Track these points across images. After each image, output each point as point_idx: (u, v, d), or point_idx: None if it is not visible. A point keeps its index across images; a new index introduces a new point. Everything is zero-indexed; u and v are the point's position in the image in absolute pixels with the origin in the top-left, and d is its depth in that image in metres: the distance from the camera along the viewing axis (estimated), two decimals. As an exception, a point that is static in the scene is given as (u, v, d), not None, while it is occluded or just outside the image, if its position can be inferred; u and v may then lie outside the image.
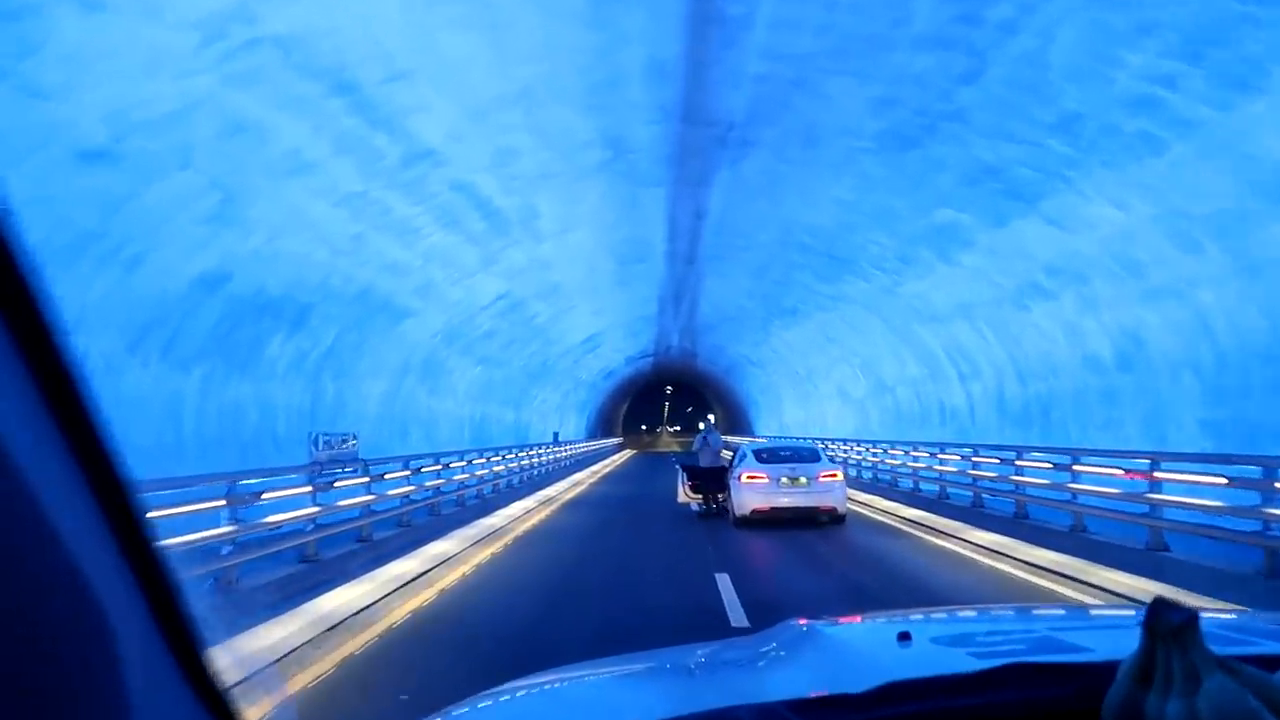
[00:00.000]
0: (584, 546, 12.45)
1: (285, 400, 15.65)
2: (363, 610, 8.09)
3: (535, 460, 24.49)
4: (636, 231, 19.13)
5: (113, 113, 8.46)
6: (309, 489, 10.86)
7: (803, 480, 13.89)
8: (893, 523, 15.22)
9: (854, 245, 18.01)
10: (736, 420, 57.16)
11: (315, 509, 10.58)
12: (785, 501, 13.67)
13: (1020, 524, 12.99)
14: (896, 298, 20.05)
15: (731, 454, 16.32)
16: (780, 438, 37.83)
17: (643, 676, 1.50)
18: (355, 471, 12.74)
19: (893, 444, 21.50)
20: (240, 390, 14.17)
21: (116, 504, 0.61)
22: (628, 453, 54.84)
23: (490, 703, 1.34)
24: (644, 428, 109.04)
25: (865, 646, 1.47)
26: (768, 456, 14.49)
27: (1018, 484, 13.62)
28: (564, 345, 30.44)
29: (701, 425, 13.69)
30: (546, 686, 1.42)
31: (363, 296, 15.98)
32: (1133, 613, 1.00)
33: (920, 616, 1.77)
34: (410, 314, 18.31)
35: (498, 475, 19.44)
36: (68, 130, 8.30)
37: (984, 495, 15.06)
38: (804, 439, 28.66)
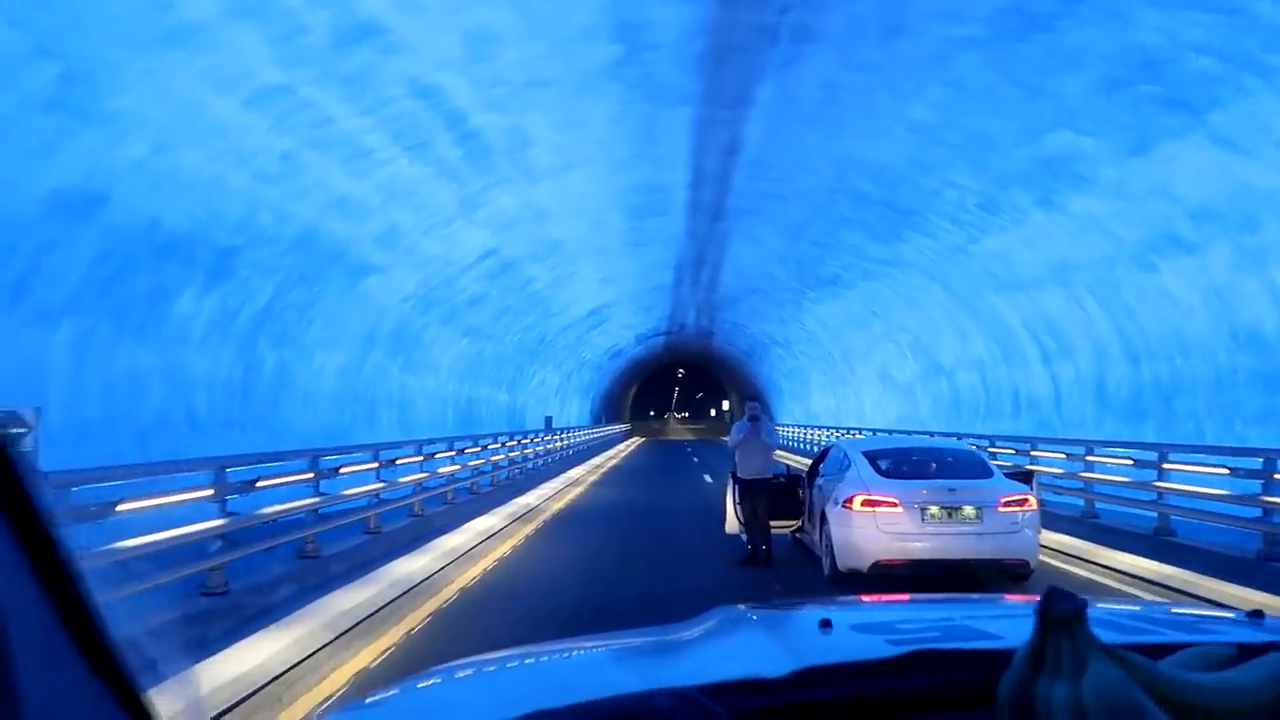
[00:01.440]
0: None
1: (207, 371, 12.55)
2: None
3: (514, 455, 18.36)
4: (654, 173, 15.91)
5: None
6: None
7: (969, 512, 7.86)
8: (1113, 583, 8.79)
9: (925, 190, 14.75)
10: (754, 407, 54.04)
11: None
12: (936, 548, 7.82)
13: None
14: (969, 259, 16.80)
15: (810, 460, 10.32)
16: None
17: (569, 662, 1.54)
18: None
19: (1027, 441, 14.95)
20: (136, 357, 11.06)
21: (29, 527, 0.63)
22: (636, 440, 51.72)
23: (414, 686, 1.38)
24: (652, 413, 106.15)
25: (789, 633, 1.55)
26: (896, 464, 8.64)
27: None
28: (566, 318, 27.24)
29: (745, 408, 8.83)
30: (475, 671, 1.45)
31: (306, 242, 12.84)
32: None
33: (850, 604, 1.89)
34: (373, 269, 15.17)
35: (452, 479, 13.62)
36: None
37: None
38: (847, 431, 25.57)
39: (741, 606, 1.74)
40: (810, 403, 37.54)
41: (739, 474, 9.04)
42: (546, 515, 13.48)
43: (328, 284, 14.30)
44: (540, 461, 21.47)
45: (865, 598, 2.26)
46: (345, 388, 16.64)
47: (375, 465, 11.00)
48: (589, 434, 34.49)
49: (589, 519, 13.36)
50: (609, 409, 52.42)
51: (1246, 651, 0.89)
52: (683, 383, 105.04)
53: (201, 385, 12.50)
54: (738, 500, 9.08)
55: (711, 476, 19.59)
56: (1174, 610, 1.84)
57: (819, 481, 9.05)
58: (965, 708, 0.88)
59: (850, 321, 26.17)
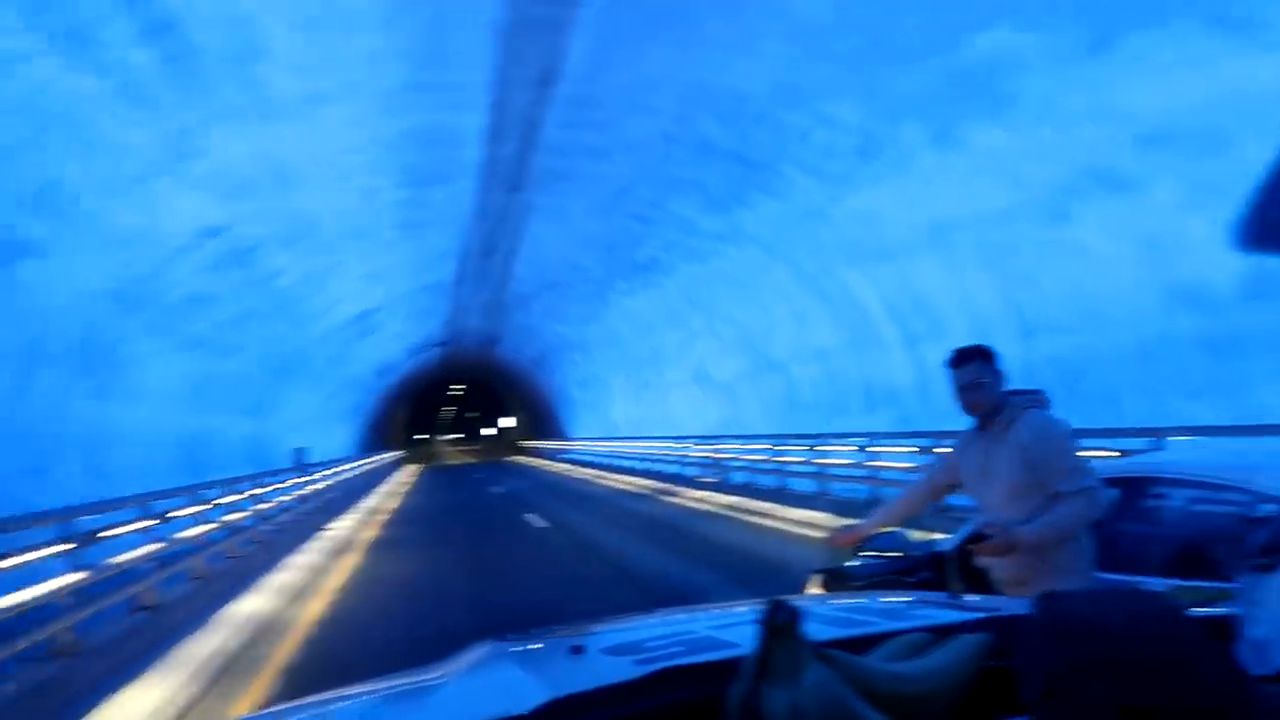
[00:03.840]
0: None
1: None
2: None
3: (233, 518, 12.22)
4: (440, 114, 12.32)
5: None
6: None
7: None
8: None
9: (788, 130, 12.17)
10: (543, 424, 50.81)
11: None
12: None
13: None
14: (824, 224, 14.48)
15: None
16: (614, 437, 31.88)
17: (324, 714, 1.49)
18: None
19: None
20: None
21: None
22: (413, 469, 46.92)
23: None
24: (424, 437, 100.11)
25: (543, 663, 1.55)
26: None
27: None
28: (325, 325, 22.69)
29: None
30: None
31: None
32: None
33: (603, 627, 1.78)
34: (28, 248, 10.57)
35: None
36: None
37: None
38: (654, 440, 22.95)
39: (500, 640, 1.74)
40: (611, 412, 34.80)
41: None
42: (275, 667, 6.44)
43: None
44: (288, 517, 16.16)
45: (619, 619, 1.75)
46: (-4, 424, 11.74)
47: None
48: (358, 466, 29.75)
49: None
50: (380, 435, 47.29)
51: (944, 633, 0.97)
52: (455, 401, 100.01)
53: None
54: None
55: (543, 518, 15.99)
56: (885, 599, 1.93)
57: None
58: (708, 719, 0.87)
59: (664, 316, 23.58)
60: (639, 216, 17.06)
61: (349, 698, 1.54)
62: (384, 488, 29.84)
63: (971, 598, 1.57)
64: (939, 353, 11.49)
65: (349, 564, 11.36)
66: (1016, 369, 10.37)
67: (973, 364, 3.04)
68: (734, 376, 22.59)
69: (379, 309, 24.36)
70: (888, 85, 10.34)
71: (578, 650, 1.40)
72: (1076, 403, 11.67)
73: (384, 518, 18.79)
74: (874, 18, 9.19)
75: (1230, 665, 0.79)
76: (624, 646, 1.47)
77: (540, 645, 1.74)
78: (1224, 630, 0.97)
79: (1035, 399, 3.08)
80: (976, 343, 3.13)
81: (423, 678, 1.55)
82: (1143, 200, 9.92)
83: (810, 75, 10.52)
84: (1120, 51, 8.43)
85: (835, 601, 1.93)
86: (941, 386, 11.59)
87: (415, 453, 70.03)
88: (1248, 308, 9.59)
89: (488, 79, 11.34)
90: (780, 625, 0.83)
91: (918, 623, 1.27)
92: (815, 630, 1.19)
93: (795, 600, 1.81)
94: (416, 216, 17.10)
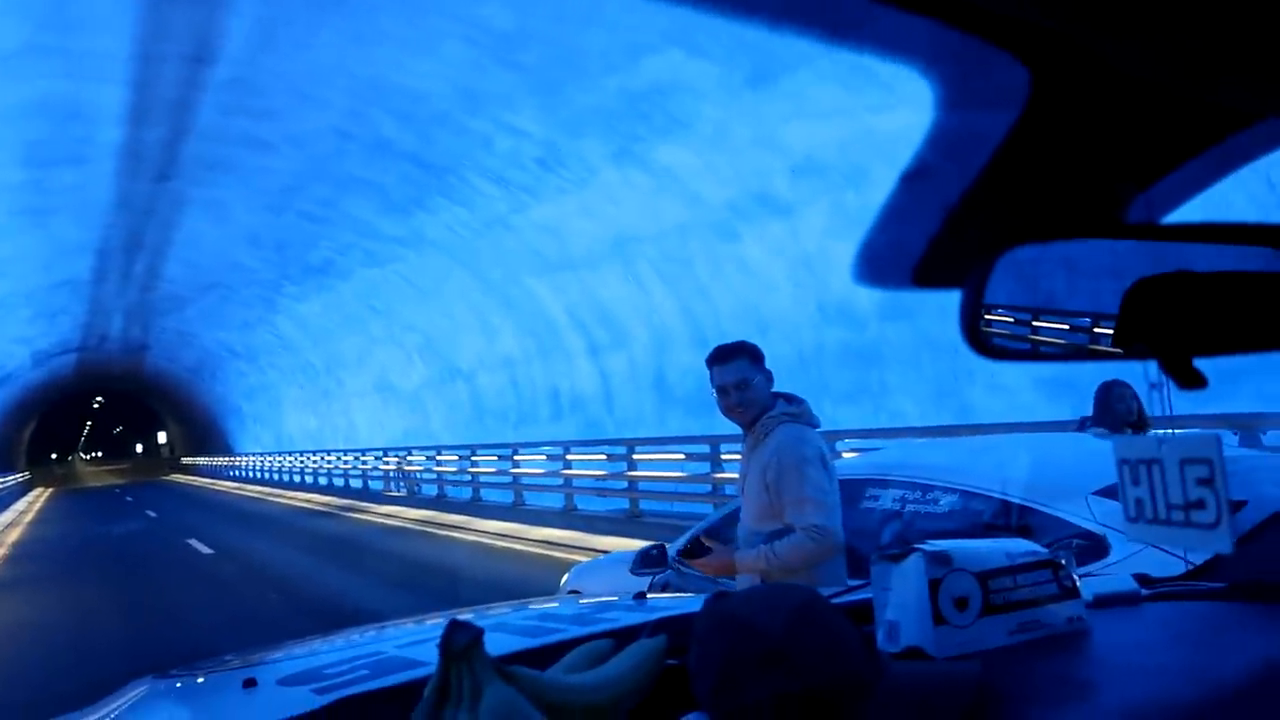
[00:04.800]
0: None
1: None
2: None
3: None
4: (68, 85, 10.77)
5: None
6: None
7: None
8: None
9: (470, 136, 11.97)
10: (205, 439, 46.61)
11: None
12: None
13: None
14: (508, 233, 14.46)
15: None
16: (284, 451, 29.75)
17: None
18: None
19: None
20: None
21: None
22: (42, 494, 41.05)
23: None
24: (55, 455, 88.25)
25: (211, 700, 1.46)
26: None
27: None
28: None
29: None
30: None
31: None
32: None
33: (278, 655, 1.66)
34: None
35: None
36: None
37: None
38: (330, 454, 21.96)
39: (163, 676, 1.59)
40: (284, 424, 32.62)
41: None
42: None
43: None
44: None
45: (295, 645, 1.73)
46: None
47: None
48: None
49: None
50: (-4, 455, 40.96)
51: (626, 636, 0.98)
52: (98, 415, 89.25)
53: None
54: None
55: (208, 544, 13.86)
56: (575, 604, 2.00)
57: None
58: None
59: (341, 322, 22.43)
60: (310, 216, 16.07)
61: None
62: (3, 517, 25.74)
63: (658, 598, 1.60)
64: (622, 361, 11.70)
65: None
66: (695, 376, 10.82)
67: (733, 362, 2.67)
68: (419, 385, 21.98)
69: (-7, 308, 21.03)
70: (568, 100, 10.48)
71: (250, 684, 1.28)
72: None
73: (2, 553, 16.16)
74: (556, 31, 9.26)
75: (866, 646, 0.90)
76: (303, 675, 1.37)
77: (205, 679, 1.62)
78: (863, 613, 1.07)
79: (795, 411, 2.68)
80: (741, 339, 2.79)
81: None
82: (798, 224, 10.85)
83: (492, 81, 10.40)
84: (778, 87, 9.13)
85: (529, 608, 1.92)
86: (625, 394, 11.83)
87: (43, 472, 61.60)
88: (884, 324, 10.81)
89: (128, 50, 10.08)
90: (460, 647, 0.82)
91: (604, 626, 1.29)
92: (503, 642, 1.22)
93: (485, 612, 1.83)
94: (42, 202, 14.91)
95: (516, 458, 15.40)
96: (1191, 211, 0.82)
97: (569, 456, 13.96)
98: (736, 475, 9.99)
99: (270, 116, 12.05)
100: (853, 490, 3.06)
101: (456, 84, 10.70)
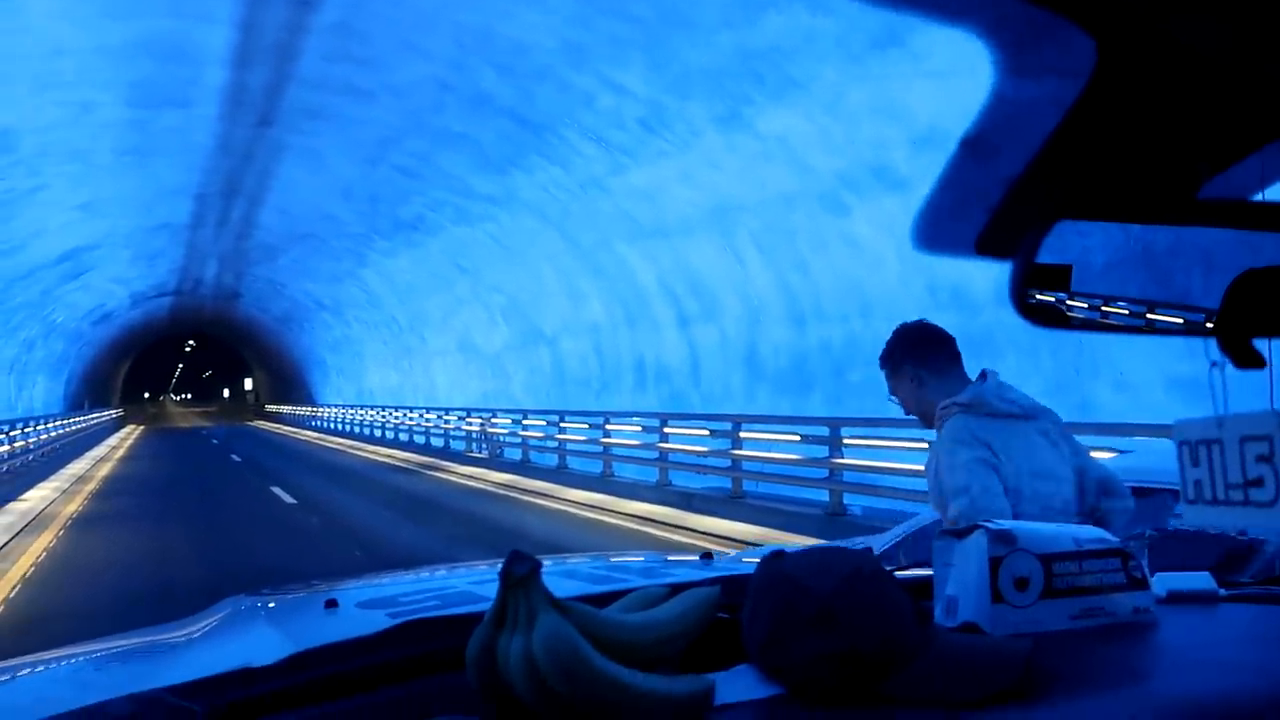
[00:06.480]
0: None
1: None
2: None
3: None
4: (173, 21, 10.81)
5: None
6: None
7: None
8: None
9: (573, 92, 11.67)
10: (289, 388, 47.82)
11: None
12: None
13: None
14: (604, 196, 14.16)
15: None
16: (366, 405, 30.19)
17: (45, 675, 1.39)
18: None
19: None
20: None
21: None
22: (133, 431, 42.67)
23: None
24: (148, 395, 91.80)
25: (294, 618, 1.54)
26: None
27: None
28: (23, 261, 19.77)
29: None
30: None
31: None
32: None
33: (360, 582, 1.80)
34: None
35: None
36: None
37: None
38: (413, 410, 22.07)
39: (254, 595, 1.70)
40: (365, 379, 33.14)
41: None
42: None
43: None
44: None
45: (380, 575, 1.91)
46: None
47: None
48: (59, 425, 26.30)
49: None
50: (93, 390, 42.61)
51: (680, 589, 1.00)
52: (190, 358, 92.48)
53: None
54: None
55: (292, 494, 14.02)
56: (646, 558, 2.08)
57: None
58: (452, 670, 0.91)
59: (427, 279, 22.52)
60: (405, 170, 16.01)
61: (84, 654, 1.49)
62: (96, 451, 26.73)
63: (723, 558, 1.64)
64: (712, 334, 11.29)
65: (41, 545, 9.76)
66: (789, 354, 10.41)
67: (886, 376, 2.54)
68: (501, 347, 21.96)
69: (95, 246, 21.63)
70: (678, 57, 10.04)
71: (331, 605, 1.38)
72: (844, 392, 12.13)
73: (93, 487, 16.66)
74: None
75: (914, 615, 0.92)
76: (379, 601, 1.48)
77: (291, 599, 1.72)
78: (924, 589, 1.08)
79: (965, 402, 2.38)
80: (887, 340, 2.59)
81: (165, 636, 1.49)
82: (913, 200, 10.27)
83: (599, 33, 10.05)
84: (905, 48, 8.59)
85: (608, 560, 1.97)
86: (712, 368, 11.42)
87: (136, 409, 64.16)
88: (1000, 310, 10.20)
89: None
90: (518, 577, 0.85)
91: (667, 578, 1.32)
92: (570, 586, 1.29)
93: (563, 560, 1.91)
94: (144, 143, 15.14)
95: (608, 427, 15.03)
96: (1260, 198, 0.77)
97: (666, 430, 13.55)
98: (855, 461, 9.76)
99: (371, 65, 11.93)
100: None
101: (562, 36, 10.38)
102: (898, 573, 1.15)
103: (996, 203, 0.84)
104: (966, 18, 0.83)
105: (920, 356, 2.48)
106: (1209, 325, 0.80)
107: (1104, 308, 0.95)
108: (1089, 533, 1.10)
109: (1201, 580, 1.21)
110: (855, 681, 0.85)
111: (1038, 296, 0.90)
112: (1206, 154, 0.77)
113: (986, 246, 0.87)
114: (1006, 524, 1.05)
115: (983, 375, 2.45)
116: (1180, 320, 0.84)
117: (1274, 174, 0.79)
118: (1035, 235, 0.86)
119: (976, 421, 2.38)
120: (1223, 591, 1.21)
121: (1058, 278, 0.90)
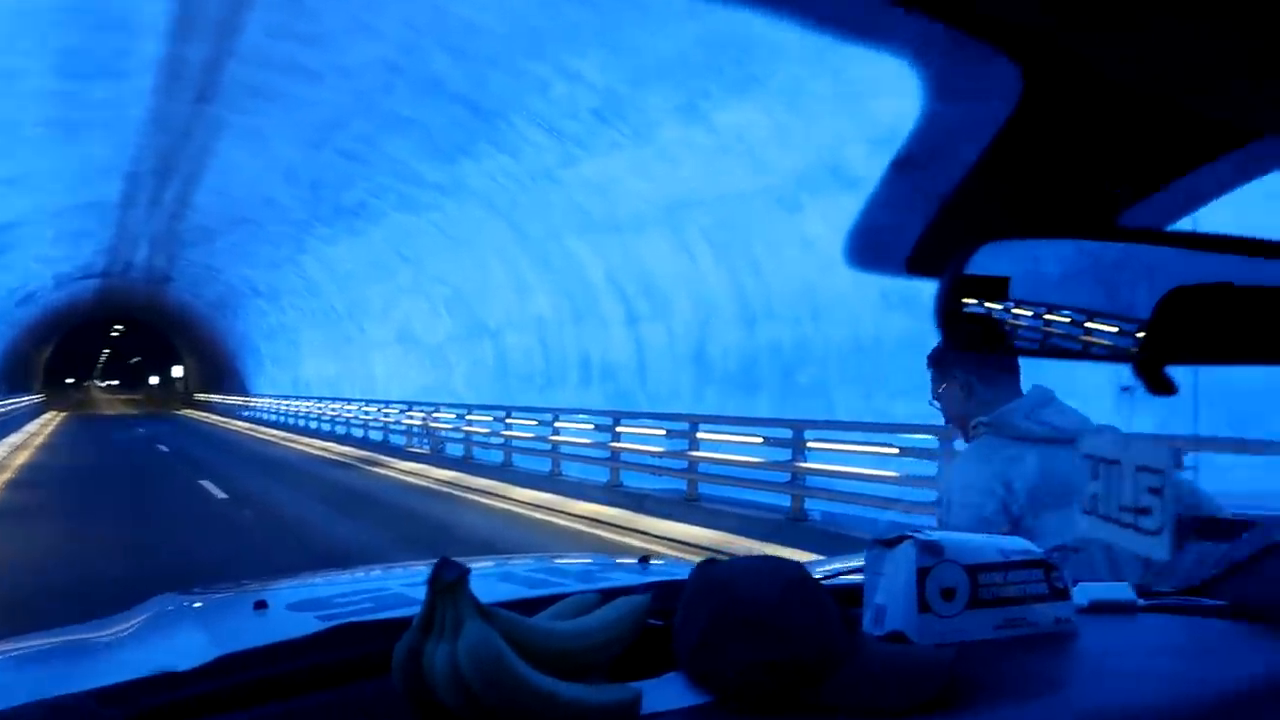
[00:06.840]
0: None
1: None
2: None
3: None
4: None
5: None
6: None
7: None
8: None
9: (527, 79, 11.39)
10: (221, 377, 46.57)
11: None
12: None
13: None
14: (555, 188, 13.91)
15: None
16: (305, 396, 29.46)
17: None
18: None
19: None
20: None
21: None
22: (55, 418, 41.11)
23: None
24: (71, 380, 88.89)
25: (221, 619, 1.54)
26: None
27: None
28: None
29: None
30: None
31: None
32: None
33: (292, 583, 1.78)
34: None
35: None
36: None
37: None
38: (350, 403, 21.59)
39: (181, 594, 1.67)
40: (301, 368, 32.35)
41: None
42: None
43: None
44: None
45: (313, 574, 1.91)
46: None
47: None
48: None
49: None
50: (12, 374, 40.99)
51: (615, 596, 1.00)
52: (117, 343, 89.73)
53: None
54: None
55: (223, 488, 13.29)
56: (585, 562, 2.06)
57: None
58: (383, 675, 0.90)
59: (368, 268, 22.01)
60: (350, 154, 15.56)
61: (5, 653, 1.44)
62: (13, 438, 25.61)
63: (659, 563, 1.65)
64: (660, 332, 11.10)
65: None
66: (738, 354, 10.23)
67: (931, 372, 2.33)
68: (443, 339, 21.55)
69: (19, 224, 20.70)
70: (635, 46, 9.88)
71: (260, 606, 1.36)
72: (792, 393, 12.06)
73: (8, 476, 15.89)
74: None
75: (844, 623, 0.95)
76: (310, 602, 1.47)
77: (220, 599, 1.71)
78: (852, 596, 1.10)
79: (989, 422, 2.19)
80: (938, 343, 2.35)
81: (91, 635, 1.46)
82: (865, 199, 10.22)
83: (557, 20, 9.82)
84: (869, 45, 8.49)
85: (532, 562, 1.97)
86: (660, 367, 11.21)
87: (60, 398, 61.97)
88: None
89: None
90: (446, 583, 0.84)
91: (601, 584, 1.34)
92: (504, 590, 1.30)
93: (504, 562, 1.92)
94: (74, 116, 14.47)
95: (557, 424, 14.65)
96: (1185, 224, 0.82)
97: (619, 429, 13.15)
98: (819, 465, 9.48)
99: (319, 43, 11.53)
100: None
101: (518, 19, 10.12)
102: (825, 581, 1.16)
103: (927, 222, 0.85)
104: (892, 40, 0.82)
105: (975, 362, 2.27)
106: (1132, 351, 0.82)
107: (1027, 327, 0.95)
108: (1014, 544, 1.12)
109: (1121, 591, 1.24)
110: (784, 689, 0.86)
111: (965, 316, 0.90)
112: (1129, 179, 0.80)
113: (916, 265, 0.89)
114: (935, 535, 1.07)
115: (1033, 390, 2.25)
116: (1107, 344, 0.86)
117: (1192, 202, 0.81)
118: (962, 255, 0.87)
119: (1000, 443, 2.21)
120: (1142, 602, 1.24)
121: (985, 294, 0.90)
